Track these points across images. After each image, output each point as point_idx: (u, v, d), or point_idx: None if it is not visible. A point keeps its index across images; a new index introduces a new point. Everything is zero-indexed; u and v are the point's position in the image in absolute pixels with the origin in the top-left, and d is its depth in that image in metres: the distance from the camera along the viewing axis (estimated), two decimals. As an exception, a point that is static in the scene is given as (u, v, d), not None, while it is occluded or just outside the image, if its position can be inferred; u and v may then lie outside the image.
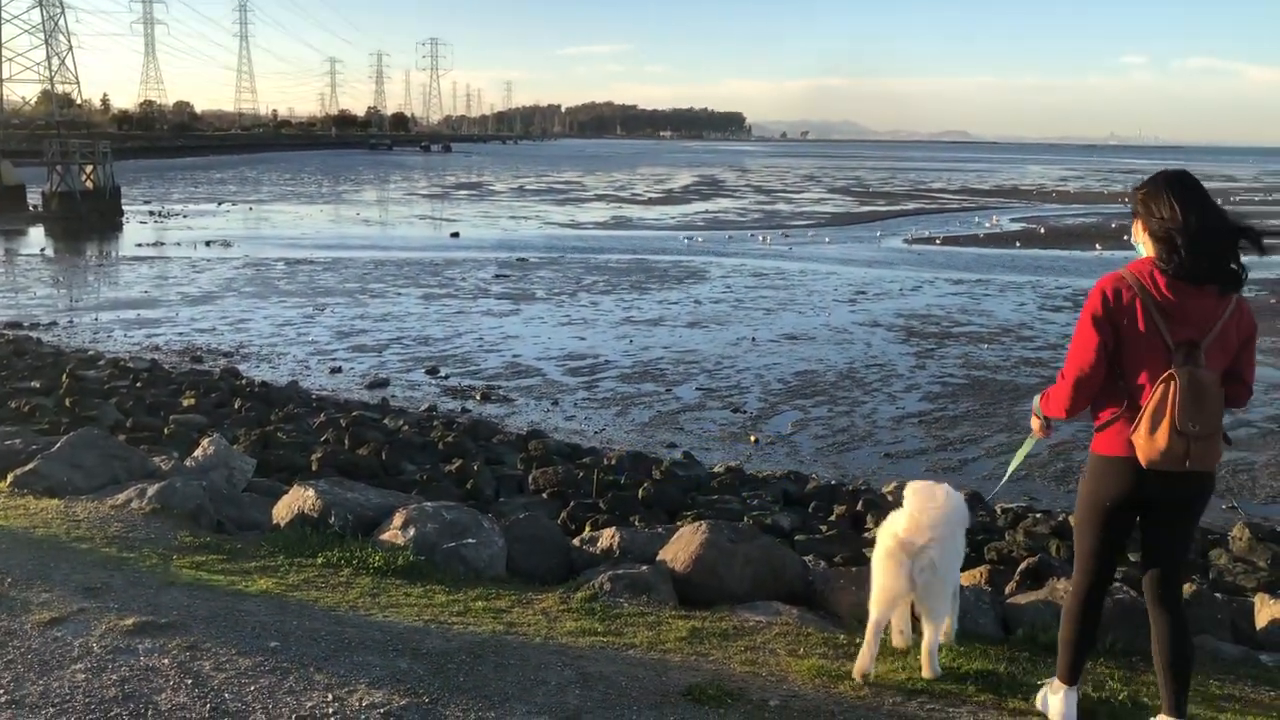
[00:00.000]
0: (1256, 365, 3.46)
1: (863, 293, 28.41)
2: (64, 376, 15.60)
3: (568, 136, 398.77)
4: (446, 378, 18.34)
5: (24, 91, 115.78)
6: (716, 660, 3.91)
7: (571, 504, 10.94)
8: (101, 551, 4.61)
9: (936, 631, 3.87)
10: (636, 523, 9.77)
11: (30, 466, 5.70)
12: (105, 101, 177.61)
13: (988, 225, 50.43)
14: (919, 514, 3.79)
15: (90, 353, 18.82)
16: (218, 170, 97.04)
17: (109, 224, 45.31)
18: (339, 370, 18.62)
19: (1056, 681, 3.63)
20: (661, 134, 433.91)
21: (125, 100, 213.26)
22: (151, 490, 5.30)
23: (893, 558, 3.79)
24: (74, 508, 5.29)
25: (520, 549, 4.99)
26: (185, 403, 14.81)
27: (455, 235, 43.50)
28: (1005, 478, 4.44)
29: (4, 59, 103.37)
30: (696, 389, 17.54)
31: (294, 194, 70.23)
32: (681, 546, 4.70)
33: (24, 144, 61.38)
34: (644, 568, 4.58)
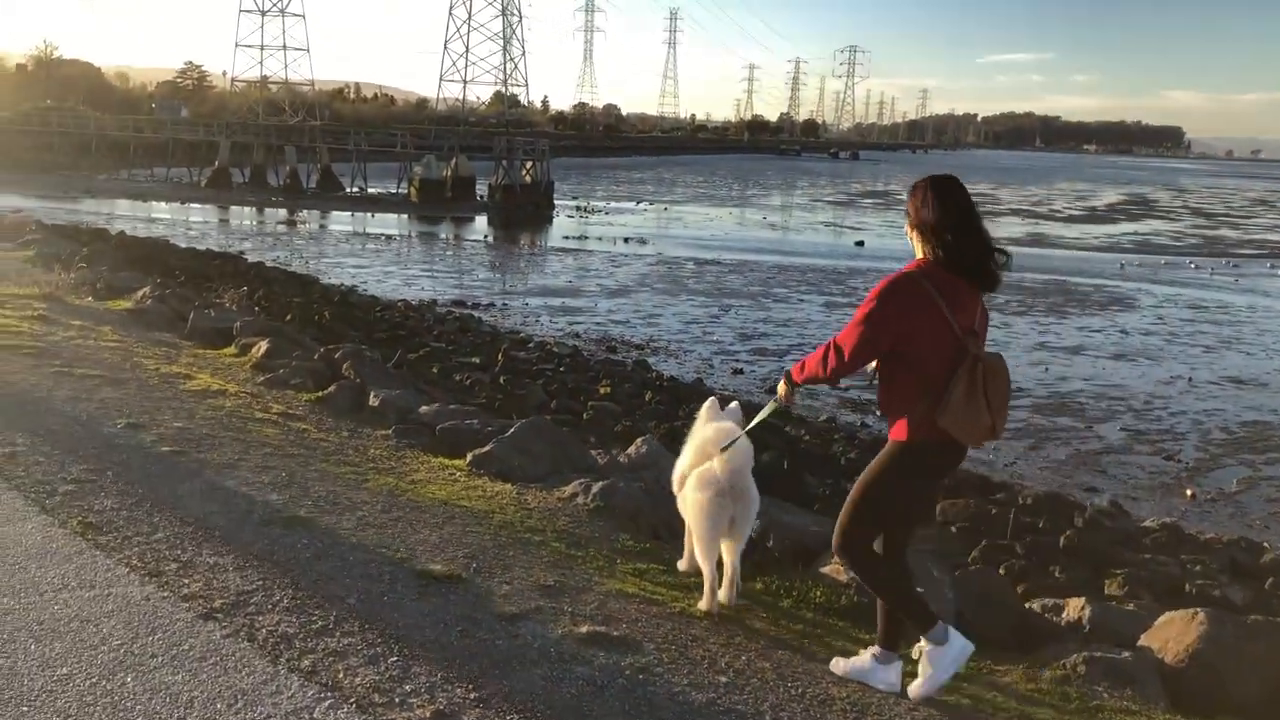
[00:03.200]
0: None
1: (1334, 337, 24.60)
2: (499, 355, 16.86)
3: (980, 147, 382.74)
4: (847, 389, 17.90)
5: (481, 93, 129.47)
6: (1228, 787, 3.25)
7: (983, 542, 10.21)
8: (552, 546, 4.70)
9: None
10: (1057, 573, 9.01)
11: (487, 449, 6.01)
12: (545, 103, 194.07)
13: None
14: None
15: (521, 334, 20.32)
16: (637, 170, 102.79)
17: (541, 216, 49.25)
18: (740, 372, 18.77)
19: (885, 650, 3.79)
20: (1085, 147, 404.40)
21: (561, 102, 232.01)
22: (596, 488, 5.39)
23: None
24: (525, 495, 5.49)
25: (969, 605, 4.53)
26: (601, 390, 15.51)
27: (860, 244, 42.99)
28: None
29: (469, 63, 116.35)
30: (1121, 429, 15.93)
31: (705, 196, 72.81)
32: (1172, 635, 4.01)
33: (476, 140, 68.36)
34: (1125, 654, 3.95)
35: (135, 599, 3.66)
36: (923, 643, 3.71)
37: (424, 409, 7.13)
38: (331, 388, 7.49)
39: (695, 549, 4.29)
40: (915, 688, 3.66)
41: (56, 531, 4.17)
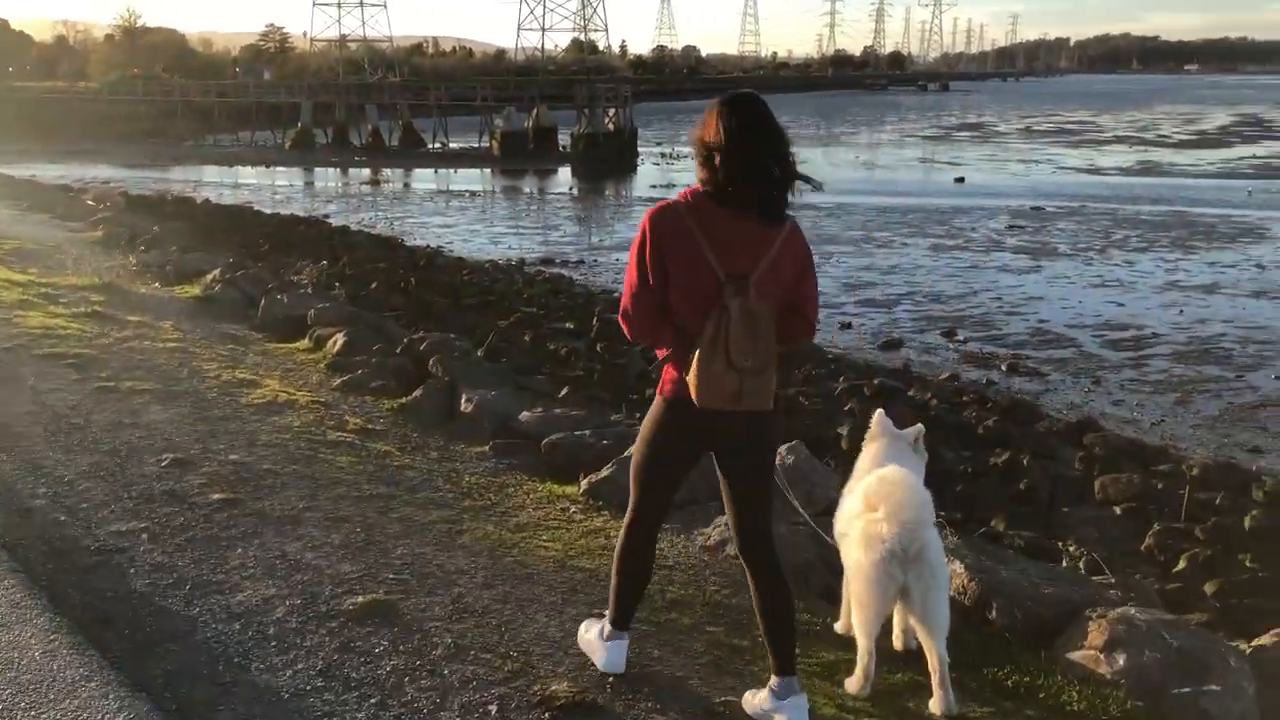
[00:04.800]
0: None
1: None
2: (594, 319, 15.77)
3: (1074, 72, 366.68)
4: (965, 342, 16.51)
5: (559, 40, 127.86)
6: None
7: (1156, 527, 8.88)
8: (707, 633, 3.51)
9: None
10: (1248, 563, 7.78)
11: (604, 474, 4.89)
12: (623, 47, 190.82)
13: None
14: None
15: (615, 294, 19.21)
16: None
17: (626, 165, 47.79)
18: (849, 326, 17.40)
19: (610, 627, 3.36)
20: (1186, 68, 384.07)
21: (640, 46, 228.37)
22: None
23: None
24: (660, 544, 4.37)
25: (1276, 705, 3.32)
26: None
27: (960, 180, 40.90)
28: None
29: (547, 9, 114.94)
30: (1276, 377, 14.33)
31: (791, 135, 70.31)
32: None
33: (556, 89, 67.05)
34: None
35: (154, 764, 2.65)
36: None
37: (525, 415, 6.07)
38: (417, 391, 6.48)
39: (853, 617, 3.45)
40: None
41: (62, 641, 3.15)
